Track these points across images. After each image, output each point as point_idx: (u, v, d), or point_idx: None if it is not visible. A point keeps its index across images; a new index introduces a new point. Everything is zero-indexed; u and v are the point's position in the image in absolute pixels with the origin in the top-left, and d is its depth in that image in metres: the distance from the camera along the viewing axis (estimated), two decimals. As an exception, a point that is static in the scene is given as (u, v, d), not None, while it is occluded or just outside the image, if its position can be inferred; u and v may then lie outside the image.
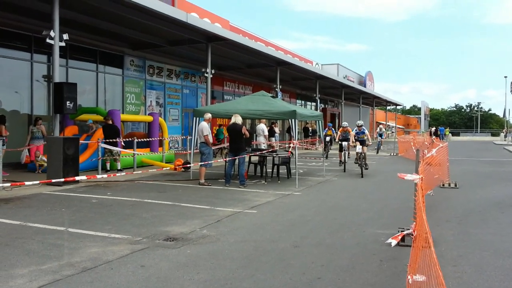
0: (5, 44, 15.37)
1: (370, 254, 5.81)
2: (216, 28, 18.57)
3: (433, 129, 56.65)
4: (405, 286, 4.69)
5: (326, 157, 21.16)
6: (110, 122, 14.56)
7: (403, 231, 6.37)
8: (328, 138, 23.05)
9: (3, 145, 11.30)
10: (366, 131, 16.29)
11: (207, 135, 12.11)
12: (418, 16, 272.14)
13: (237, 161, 12.03)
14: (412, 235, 5.94)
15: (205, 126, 12.23)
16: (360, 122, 17.02)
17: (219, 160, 13.09)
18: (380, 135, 30.09)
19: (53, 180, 9.03)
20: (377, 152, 26.94)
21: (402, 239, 6.24)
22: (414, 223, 5.89)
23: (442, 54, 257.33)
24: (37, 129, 14.15)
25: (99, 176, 10.03)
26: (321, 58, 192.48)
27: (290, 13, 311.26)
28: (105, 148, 13.68)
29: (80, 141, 12.99)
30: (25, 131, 14.65)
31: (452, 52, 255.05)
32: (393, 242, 6.20)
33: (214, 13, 25.64)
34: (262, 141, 19.30)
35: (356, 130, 16.33)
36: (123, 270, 4.99)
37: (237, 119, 12.02)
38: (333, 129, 25.95)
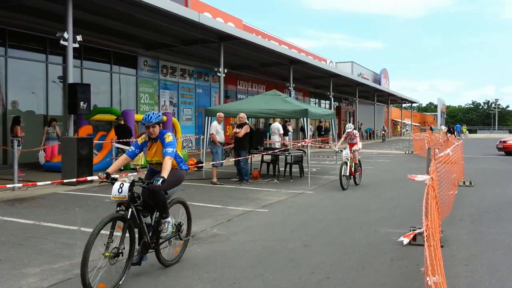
0: (21, 46, 15.59)
1: (381, 254, 5.76)
2: (229, 28, 18.58)
3: (443, 127, 56.71)
4: (415, 286, 4.66)
5: None
6: (122, 122, 14.68)
7: (415, 230, 6.31)
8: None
9: (18, 145, 11.46)
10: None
11: (212, 133, 12.18)
12: (435, 12, 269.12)
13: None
14: (424, 234, 5.88)
15: (213, 125, 12.31)
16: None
17: (231, 160, 13.12)
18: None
19: (65, 180, 9.13)
20: None
21: (414, 238, 6.18)
22: (426, 222, 5.83)
23: (460, 50, 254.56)
24: (52, 129, 14.33)
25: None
26: (338, 56, 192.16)
27: (307, 12, 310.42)
28: (118, 148, 13.81)
29: (95, 141, 13.13)
30: (41, 131, 14.85)
31: (470, 49, 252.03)
32: (405, 240, 6.14)
33: (227, 12, 25.69)
34: (276, 140, 19.29)
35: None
36: (132, 269, 5.02)
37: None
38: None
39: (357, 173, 12.15)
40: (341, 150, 11.83)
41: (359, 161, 12.29)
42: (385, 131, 46.79)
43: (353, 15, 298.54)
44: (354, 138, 12.23)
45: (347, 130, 12.19)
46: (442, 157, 8.89)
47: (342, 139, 12.65)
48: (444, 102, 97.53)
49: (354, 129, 12.32)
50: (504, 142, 25.29)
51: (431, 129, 54.26)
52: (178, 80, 23.25)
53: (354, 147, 11.97)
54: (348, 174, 11.39)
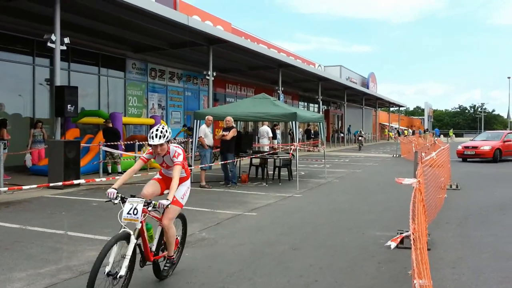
0: (8, 48, 15.45)
1: (369, 257, 5.80)
2: (217, 31, 18.60)
3: (409, 130, 58.11)
4: (403, 288, 4.69)
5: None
6: (110, 125, 14.60)
7: (402, 233, 6.34)
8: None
9: (4, 148, 11.33)
10: None
11: (201, 137, 12.19)
12: (425, 16, 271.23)
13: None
14: (411, 237, 5.92)
15: (201, 129, 12.32)
16: None
17: (219, 163, 13.11)
18: None
19: (51, 184, 9.04)
20: None
21: (401, 241, 6.20)
22: (413, 225, 5.87)
23: (448, 55, 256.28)
24: (38, 132, 14.19)
25: (98, 180, 10.04)
26: (327, 60, 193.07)
27: (297, 16, 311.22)
28: (105, 151, 13.73)
29: (82, 144, 13.03)
30: (27, 134, 14.70)
31: (458, 53, 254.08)
32: (393, 244, 6.15)
33: (216, 15, 25.72)
34: (265, 143, 19.30)
35: None
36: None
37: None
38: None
39: (173, 253, 4.84)
40: (121, 199, 4.30)
41: (182, 225, 5.24)
42: (361, 136, 36.22)
43: (343, 19, 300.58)
44: (173, 159, 4.72)
45: (150, 142, 4.60)
46: (429, 160, 8.97)
47: (139, 163, 4.73)
48: (431, 106, 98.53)
49: (170, 141, 4.75)
50: (476, 147, 21.74)
51: (398, 133, 55.32)
52: (167, 83, 23.20)
53: (168, 198, 4.38)
54: (126, 270, 4.09)
